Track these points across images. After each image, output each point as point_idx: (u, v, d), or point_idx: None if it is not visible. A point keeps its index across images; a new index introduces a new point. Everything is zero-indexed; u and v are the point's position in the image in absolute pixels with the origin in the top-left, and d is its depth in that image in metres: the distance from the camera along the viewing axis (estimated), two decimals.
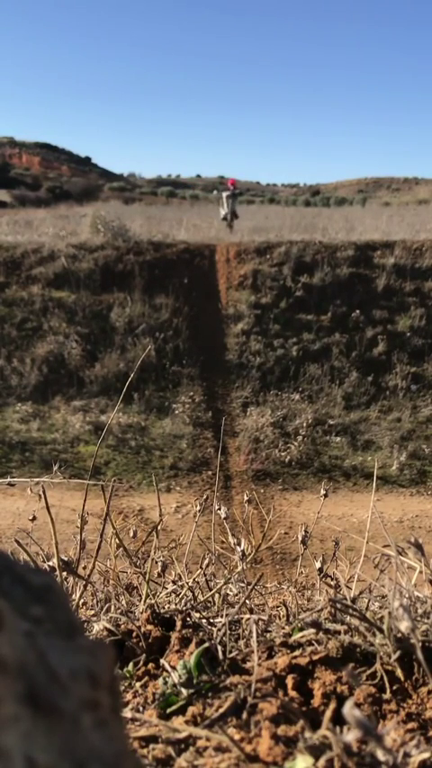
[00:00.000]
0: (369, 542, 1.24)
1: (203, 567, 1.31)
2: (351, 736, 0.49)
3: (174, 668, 0.83)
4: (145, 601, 1.12)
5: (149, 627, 0.98)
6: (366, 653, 0.86)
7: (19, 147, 58.14)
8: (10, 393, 8.28)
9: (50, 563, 1.10)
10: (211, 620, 1.05)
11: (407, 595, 0.99)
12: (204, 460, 7.11)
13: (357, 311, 9.84)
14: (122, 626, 0.99)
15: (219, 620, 1.02)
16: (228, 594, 1.28)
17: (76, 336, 9.13)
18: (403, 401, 8.50)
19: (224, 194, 15.58)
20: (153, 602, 1.10)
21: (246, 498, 1.66)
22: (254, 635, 0.84)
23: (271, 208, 28.81)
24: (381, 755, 0.53)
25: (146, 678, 0.88)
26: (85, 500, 1.27)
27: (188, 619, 1.01)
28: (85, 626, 1.05)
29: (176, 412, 7.96)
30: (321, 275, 10.46)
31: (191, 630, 0.96)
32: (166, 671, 0.84)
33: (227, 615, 0.97)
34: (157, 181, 59.64)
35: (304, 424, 7.75)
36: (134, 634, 0.97)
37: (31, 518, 1.57)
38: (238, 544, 1.25)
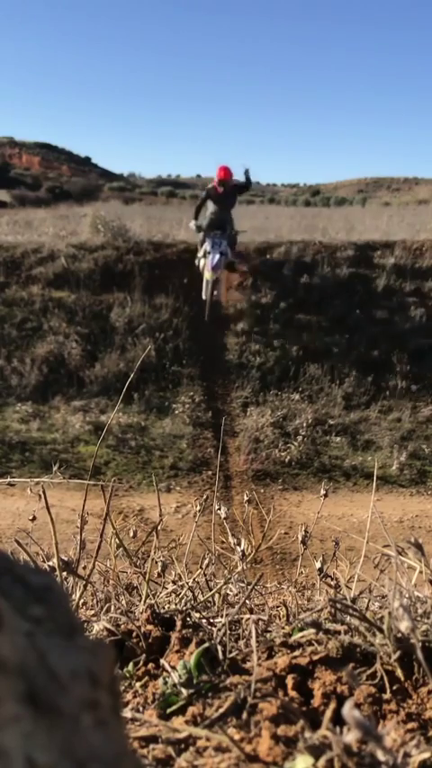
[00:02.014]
0: (369, 542, 1.24)
1: (203, 567, 1.31)
2: (351, 736, 0.49)
3: (174, 668, 0.83)
4: (145, 601, 1.12)
5: (149, 627, 0.98)
6: (366, 653, 0.86)
7: (19, 147, 58.18)
8: (10, 393, 8.27)
9: (50, 563, 1.10)
10: (211, 620, 1.05)
11: (407, 595, 0.99)
12: (204, 460, 7.11)
13: (357, 311, 9.83)
14: (122, 626, 0.99)
15: (219, 620, 1.02)
16: (228, 594, 1.28)
17: (76, 336, 9.13)
18: (403, 401, 8.50)
19: (209, 209, 8.95)
20: (153, 602, 1.10)
21: (246, 498, 1.66)
22: (254, 635, 0.84)
23: (271, 208, 28.79)
24: (381, 756, 0.53)
25: (146, 678, 0.88)
26: (85, 500, 1.27)
27: (188, 619, 1.01)
28: (85, 626, 1.05)
29: (176, 412, 7.95)
30: (321, 275, 10.46)
31: (191, 630, 0.96)
32: (166, 671, 0.84)
33: (227, 615, 0.97)
34: (157, 181, 59.68)
35: (304, 424, 7.74)
36: (134, 634, 0.97)
37: (31, 518, 1.57)
38: (238, 544, 1.25)
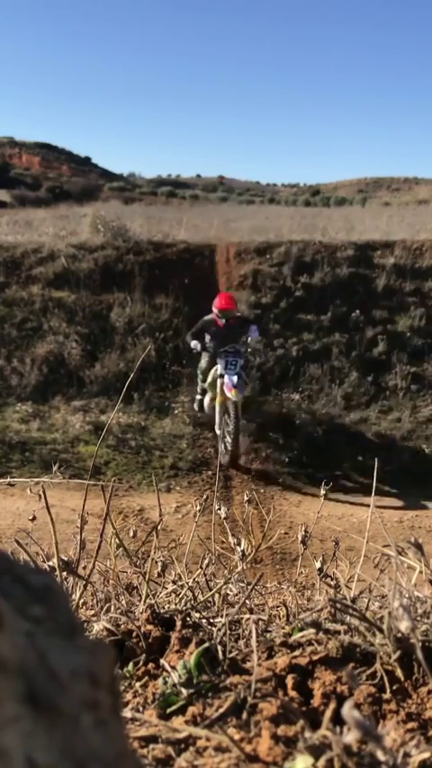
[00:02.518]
0: (369, 542, 1.24)
1: (203, 567, 1.31)
2: (351, 736, 0.49)
3: (174, 668, 0.83)
4: (145, 601, 1.12)
5: (149, 627, 0.98)
6: (366, 653, 0.86)
7: (19, 147, 58.20)
8: (10, 393, 8.28)
9: (50, 563, 1.10)
10: (211, 620, 1.05)
11: (407, 595, 0.99)
12: (204, 460, 7.11)
13: (357, 311, 9.83)
14: (122, 626, 0.99)
15: (219, 620, 1.02)
16: (228, 594, 1.28)
17: (76, 336, 9.13)
18: (403, 401, 8.50)
19: (207, 342, 6.93)
20: (153, 602, 1.10)
21: (246, 498, 1.67)
22: (254, 635, 0.84)
23: (271, 208, 28.78)
24: (381, 755, 0.53)
25: (146, 678, 0.88)
26: (85, 500, 1.27)
27: (188, 619, 1.01)
28: (85, 626, 1.05)
29: (176, 412, 7.96)
30: (321, 275, 10.46)
31: (191, 630, 0.96)
32: (166, 671, 0.84)
33: (227, 615, 0.97)
34: (157, 181, 59.70)
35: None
36: (134, 634, 0.97)
37: (31, 518, 1.57)
38: (238, 544, 1.25)
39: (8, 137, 59.84)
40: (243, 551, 1.24)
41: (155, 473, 6.67)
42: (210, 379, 6.91)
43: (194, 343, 6.87)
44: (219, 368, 6.71)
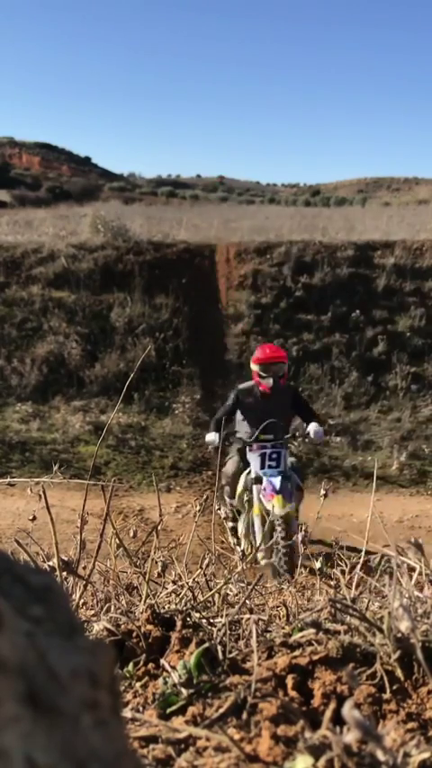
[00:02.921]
0: (369, 542, 1.25)
1: (203, 567, 1.31)
2: (351, 736, 0.49)
3: (174, 668, 0.83)
4: (145, 601, 1.12)
5: (149, 627, 0.98)
6: (366, 653, 0.86)
7: (19, 147, 58.21)
8: (10, 393, 8.28)
9: (50, 563, 1.10)
10: (211, 620, 1.05)
11: (407, 595, 0.99)
12: (204, 460, 7.11)
13: (357, 311, 9.84)
14: (122, 626, 0.99)
15: (219, 620, 1.02)
16: (228, 594, 1.28)
17: (76, 336, 9.13)
18: (403, 401, 8.50)
19: (242, 427, 4.69)
20: (153, 602, 1.10)
21: (245, 498, 1.67)
22: (254, 635, 0.84)
23: (271, 208, 28.80)
24: (381, 755, 0.53)
25: (146, 678, 0.88)
26: (85, 500, 1.27)
27: (188, 619, 1.01)
28: (85, 626, 1.05)
29: (176, 412, 7.96)
30: (321, 275, 10.46)
31: (191, 630, 0.96)
32: (166, 671, 0.84)
33: (227, 615, 0.97)
34: (157, 181, 59.72)
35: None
36: (134, 634, 0.97)
37: (31, 518, 1.57)
38: (238, 544, 1.25)
39: (8, 137, 59.85)
40: (243, 551, 1.24)
41: (155, 473, 6.67)
42: (240, 488, 4.49)
43: (211, 437, 4.58)
44: (252, 468, 4.45)
